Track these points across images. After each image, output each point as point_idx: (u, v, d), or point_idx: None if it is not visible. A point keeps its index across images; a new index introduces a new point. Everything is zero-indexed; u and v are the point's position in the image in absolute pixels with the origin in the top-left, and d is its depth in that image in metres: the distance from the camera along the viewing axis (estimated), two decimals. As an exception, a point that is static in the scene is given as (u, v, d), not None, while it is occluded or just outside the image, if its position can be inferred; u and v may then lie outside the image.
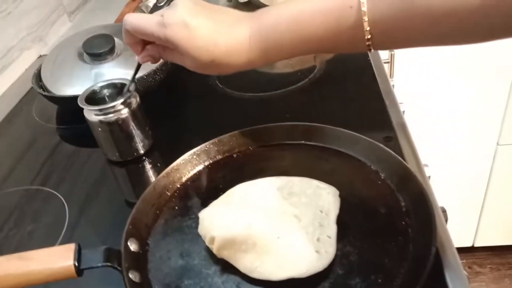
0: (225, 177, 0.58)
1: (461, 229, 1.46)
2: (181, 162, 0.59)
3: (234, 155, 0.62)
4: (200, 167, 0.60)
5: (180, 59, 0.52)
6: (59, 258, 0.44)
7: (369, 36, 0.44)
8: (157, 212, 0.54)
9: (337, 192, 0.51)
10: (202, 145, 0.61)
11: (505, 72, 1.16)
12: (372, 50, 0.46)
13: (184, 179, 0.59)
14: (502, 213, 1.41)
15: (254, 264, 0.44)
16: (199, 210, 0.53)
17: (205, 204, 0.54)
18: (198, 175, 0.60)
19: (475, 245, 1.51)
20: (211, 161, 0.61)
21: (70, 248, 0.45)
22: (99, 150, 0.67)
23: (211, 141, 0.61)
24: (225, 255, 0.46)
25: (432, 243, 0.42)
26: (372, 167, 0.55)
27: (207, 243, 0.47)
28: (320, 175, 0.54)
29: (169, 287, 0.45)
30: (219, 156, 0.61)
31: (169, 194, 0.57)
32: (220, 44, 0.49)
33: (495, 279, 1.51)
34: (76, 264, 0.43)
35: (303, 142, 0.61)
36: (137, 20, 0.51)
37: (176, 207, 0.55)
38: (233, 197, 0.52)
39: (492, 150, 1.28)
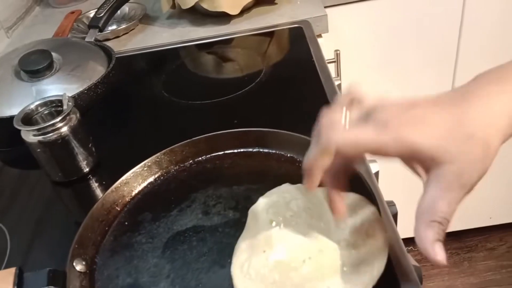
0: (178, 188, 0.57)
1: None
2: (131, 175, 0.57)
3: (187, 165, 0.60)
4: (151, 179, 0.59)
5: None
6: (-2, 285, 0.42)
7: None
8: (106, 228, 0.53)
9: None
10: (153, 157, 0.59)
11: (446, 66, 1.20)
12: None
13: (134, 193, 0.57)
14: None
15: None
16: (150, 224, 0.53)
17: (156, 218, 0.53)
18: (149, 188, 0.58)
19: (434, 233, 1.56)
20: (163, 172, 0.60)
21: (10, 272, 0.43)
22: (43, 172, 0.64)
23: (162, 152, 0.60)
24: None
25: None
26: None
27: None
28: (272, 181, 0.53)
29: (118, 307, 0.44)
30: (172, 167, 0.60)
31: (118, 209, 0.55)
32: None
33: (455, 264, 1.57)
34: (17, 289, 0.42)
35: (256, 149, 0.60)
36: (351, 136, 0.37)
37: (126, 223, 0.54)
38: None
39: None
